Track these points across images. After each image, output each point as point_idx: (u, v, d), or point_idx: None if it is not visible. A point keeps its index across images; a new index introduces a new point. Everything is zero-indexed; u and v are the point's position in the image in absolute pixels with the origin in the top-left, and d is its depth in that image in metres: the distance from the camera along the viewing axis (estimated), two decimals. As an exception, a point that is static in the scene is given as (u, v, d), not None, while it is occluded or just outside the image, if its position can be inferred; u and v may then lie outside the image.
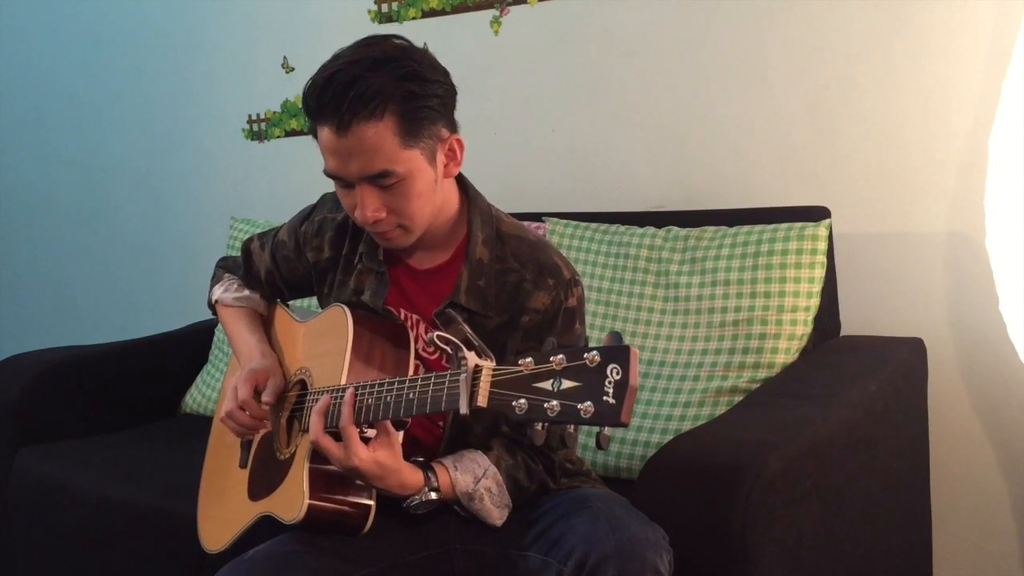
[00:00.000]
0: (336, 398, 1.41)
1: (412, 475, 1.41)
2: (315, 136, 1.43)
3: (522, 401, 1.16)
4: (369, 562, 1.45)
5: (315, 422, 1.38)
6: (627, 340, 2.03)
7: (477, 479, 1.43)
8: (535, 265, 1.50)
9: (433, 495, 1.42)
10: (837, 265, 2.05)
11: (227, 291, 1.76)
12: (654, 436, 1.92)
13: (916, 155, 2.11)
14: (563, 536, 1.36)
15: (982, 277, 2.08)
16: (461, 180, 1.56)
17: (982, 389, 2.11)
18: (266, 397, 1.56)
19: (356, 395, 1.37)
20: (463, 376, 1.23)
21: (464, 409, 1.22)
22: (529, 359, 1.18)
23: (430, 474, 1.42)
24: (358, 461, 1.35)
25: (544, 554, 1.38)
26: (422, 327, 1.53)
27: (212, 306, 1.80)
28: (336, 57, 1.41)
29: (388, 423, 1.36)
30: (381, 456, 1.36)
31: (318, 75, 1.40)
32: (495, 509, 1.45)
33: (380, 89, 1.36)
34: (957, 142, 2.07)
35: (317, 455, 1.43)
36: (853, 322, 2.14)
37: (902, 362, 1.98)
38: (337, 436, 1.38)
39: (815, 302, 1.96)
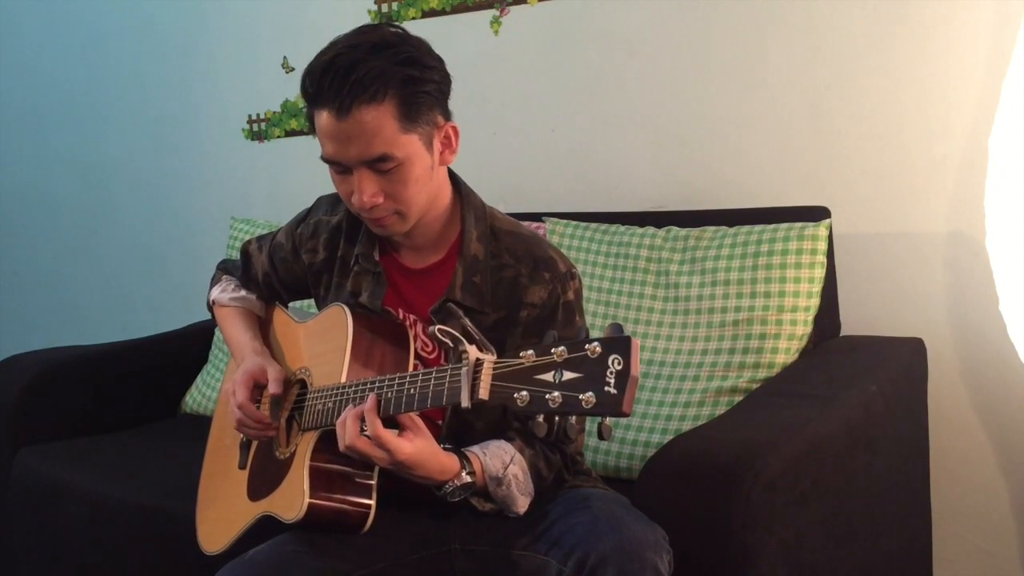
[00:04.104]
0: (338, 396, 1.41)
1: (448, 458, 1.40)
2: (311, 123, 1.44)
3: (524, 393, 1.17)
4: (369, 562, 1.45)
5: (351, 427, 1.35)
6: (627, 340, 2.03)
7: (505, 464, 1.43)
8: (531, 260, 1.50)
9: (468, 478, 1.41)
10: (837, 265, 2.05)
11: (224, 292, 1.77)
12: (654, 436, 1.92)
13: (916, 155, 2.11)
14: (563, 536, 1.36)
15: (982, 277, 2.08)
16: (454, 178, 1.56)
17: (982, 389, 2.11)
18: (273, 388, 1.56)
19: (377, 398, 1.36)
20: (464, 369, 1.23)
21: (466, 402, 1.22)
22: (530, 351, 1.18)
23: (462, 459, 1.42)
24: (404, 456, 1.34)
25: (544, 554, 1.38)
26: (420, 327, 1.53)
27: (210, 307, 1.81)
28: (334, 43, 1.42)
29: (412, 413, 1.36)
30: (420, 444, 1.36)
31: (316, 60, 1.41)
32: (520, 496, 1.44)
33: (380, 73, 1.36)
34: (957, 142, 2.07)
35: (318, 453, 1.43)
36: (853, 322, 2.14)
37: (902, 362, 1.98)
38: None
39: (815, 302, 1.96)
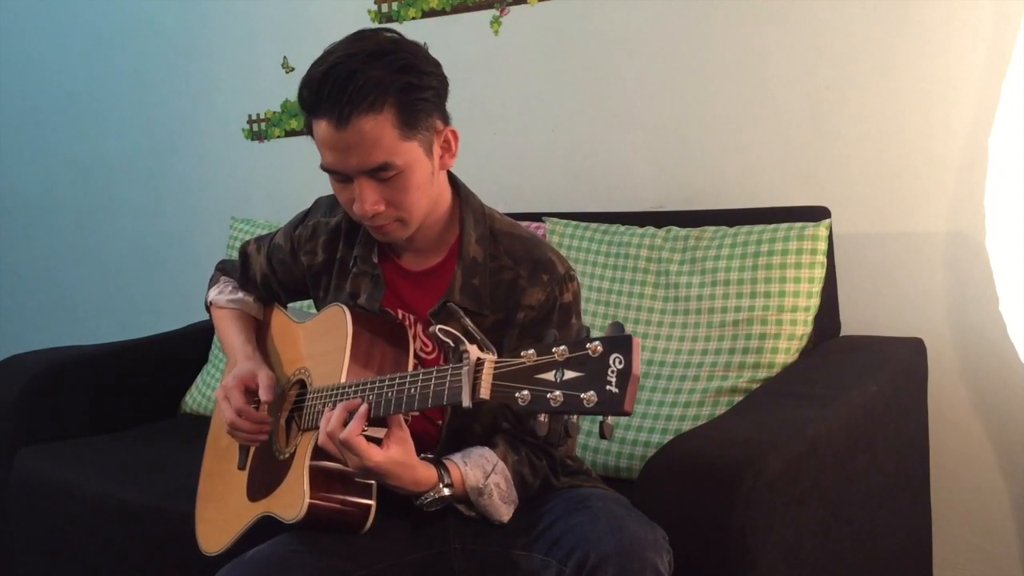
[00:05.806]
0: (337, 396, 1.41)
1: (426, 471, 1.40)
2: (310, 131, 1.43)
3: (525, 392, 1.17)
4: (369, 562, 1.45)
5: (335, 421, 1.36)
6: (627, 340, 2.03)
7: (487, 474, 1.43)
8: (529, 261, 1.50)
9: (446, 491, 1.41)
10: (837, 265, 2.05)
11: (221, 293, 1.77)
12: (654, 436, 1.92)
13: (916, 155, 2.11)
14: (563, 536, 1.36)
15: (982, 277, 2.08)
16: (453, 180, 1.55)
17: (982, 389, 2.11)
18: (264, 396, 1.56)
19: (365, 401, 1.36)
20: (465, 369, 1.23)
21: (467, 402, 1.22)
22: (531, 351, 1.18)
23: (442, 470, 1.42)
24: (372, 464, 1.34)
25: (544, 554, 1.38)
26: (419, 328, 1.53)
27: (208, 307, 1.81)
28: (330, 52, 1.41)
29: (400, 418, 1.36)
30: (395, 454, 1.35)
31: (313, 70, 1.40)
32: (503, 505, 1.44)
33: (379, 82, 1.36)
34: (957, 142, 2.07)
35: (318, 453, 1.43)
36: (853, 322, 2.14)
37: (902, 362, 1.98)
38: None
39: (815, 302, 1.96)
